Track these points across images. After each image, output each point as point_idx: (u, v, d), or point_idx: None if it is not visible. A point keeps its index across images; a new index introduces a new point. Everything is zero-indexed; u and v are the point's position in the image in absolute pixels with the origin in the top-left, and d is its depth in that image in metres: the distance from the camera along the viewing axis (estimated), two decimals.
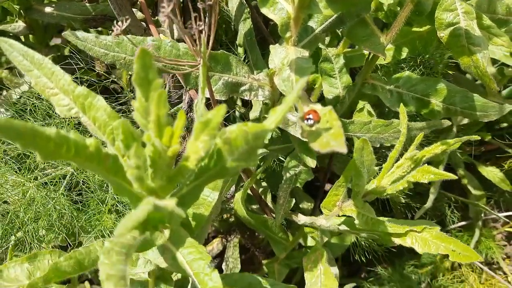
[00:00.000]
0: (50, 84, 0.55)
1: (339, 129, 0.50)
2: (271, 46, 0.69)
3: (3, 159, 0.68)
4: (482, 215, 1.34)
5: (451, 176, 0.66)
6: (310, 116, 0.54)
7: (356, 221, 0.80)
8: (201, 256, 0.58)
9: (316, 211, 1.08)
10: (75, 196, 0.68)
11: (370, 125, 0.76)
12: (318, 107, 0.58)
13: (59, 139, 0.42)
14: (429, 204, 1.05)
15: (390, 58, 0.94)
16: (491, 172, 1.26)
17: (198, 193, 0.57)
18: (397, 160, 0.75)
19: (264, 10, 0.68)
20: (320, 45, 0.95)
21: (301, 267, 1.12)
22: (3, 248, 0.63)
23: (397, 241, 0.78)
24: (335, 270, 1.08)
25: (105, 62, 0.65)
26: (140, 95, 0.44)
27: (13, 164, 0.67)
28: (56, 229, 0.63)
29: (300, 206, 1.13)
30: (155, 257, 0.62)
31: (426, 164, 0.69)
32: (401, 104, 0.71)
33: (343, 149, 0.46)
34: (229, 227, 1.10)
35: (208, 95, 0.71)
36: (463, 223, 1.28)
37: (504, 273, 1.46)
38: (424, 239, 0.75)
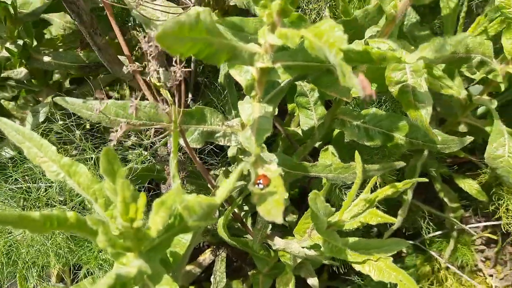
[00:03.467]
0: (40, 153, 0.65)
1: (281, 197, 0.59)
2: (239, 103, 0.78)
3: (9, 202, 0.79)
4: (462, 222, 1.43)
5: (392, 219, 0.75)
6: (260, 181, 0.63)
7: (322, 248, 0.90)
8: None
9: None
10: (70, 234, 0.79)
11: (331, 167, 0.85)
12: (272, 167, 0.67)
13: (42, 219, 0.52)
14: (397, 225, 1.14)
15: None
16: (468, 184, 1.34)
17: (169, 243, 0.67)
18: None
19: (232, 72, 0.77)
20: None
21: None
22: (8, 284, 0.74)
23: (357, 267, 0.88)
24: (314, 280, 1.18)
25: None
26: (108, 180, 0.54)
27: (16, 207, 0.78)
28: (53, 266, 0.74)
29: (286, 219, 1.23)
30: None
31: (375, 208, 0.77)
32: (356, 152, 0.79)
33: (279, 220, 0.55)
34: (218, 241, 1.20)
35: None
36: (439, 232, 1.36)
37: (489, 275, 1.55)
38: (379, 267, 0.85)
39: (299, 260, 0.99)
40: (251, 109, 0.76)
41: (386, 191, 0.80)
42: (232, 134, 0.84)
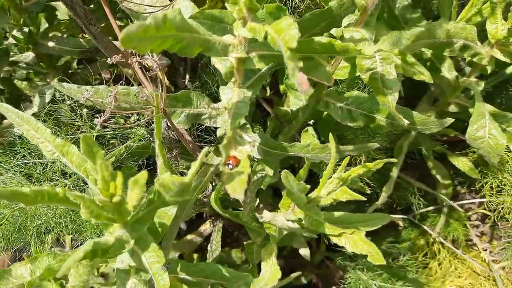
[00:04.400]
0: (37, 135, 0.73)
1: (246, 177, 0.66)
2: (221, 88, 0.84)
3: (16, 175, 0.88)
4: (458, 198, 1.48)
5: (359, 197, 0.81)
6: (230, 161, 0.70)
7: (303, 222, 0.97)
8: (158, 259, 0.77)
9: None
10: None
11: (309, 147, 0.91)
12: (243, 149, 0.74)
13: (34, 194, 0.61)
14: (382, 200, 1.19)
15: (347, 75, 1.06)
16: (462, 162, 1.38)
17: (152, 215, 0.75)
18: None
19: (213, 60, 0.83)
20: None
21: None
22: (12, 250, 0.84)
23: (334, 239, 0.95)
24: (305, 251, 1.26)
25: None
26: (90, 162, 0.61)
27: (23, 180, 0.87)
28: (54, 233, 0.83)
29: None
30: (127, 258, 0.82)
31: (345, 187, 0.84)
32: (330, 134, 0.85)
33: (241, 197, 0.62)
34: (216, 213, 1.28)
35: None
36: (431, 208, 1.42)
37: (483, 249, 1.60)
38: (353, 240, 0.91)
39: (284, 232, 1.07)
40: (231, 94, 0.83)
41: (358, 170, 0.86)
42: (218, 116, 0.91)
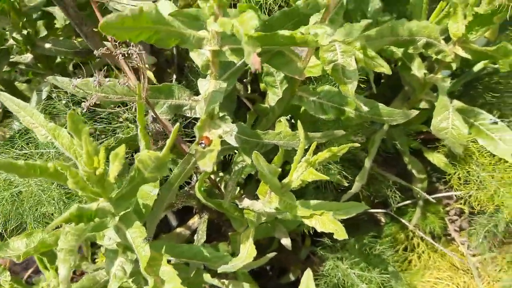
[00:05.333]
0: (32, 121, 0.82)
1: (214, 154, 0.74)
2: (199, 80, 0.93)
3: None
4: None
5: (324, 177, 0.90)
6: (203, 141, 0.79)
7: (279, 206, 1.05)
8: (140, 234, 0.85)
9: None
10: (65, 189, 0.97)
11: (281, 135, 0.99)
12: (216, 132, 0.82)
13: (27, 166, 0.69)
14: (354, 190, 1.27)
15: (320, 72, 1.15)
16: (437, 158, 1.45)
17: (135, 192, 0.83)
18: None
19: (191, 54, 0.92)
20: None
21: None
22: (11, 228, 0.92)
23: (306, 221, 1.03)
24: (287, 241, 1.33)
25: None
26: (76, 137, 0.70)
27: None
28: (48, 213, 0.92)
29: None
30: (113, 235, 0.90)
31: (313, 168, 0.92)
32: (299, 121, 0.94)
33: (209, 168, 0.71)
34: (202, 205, 1.36)
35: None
36: (408, 202, 1.49)
37: (461, 243, 1.67)
38: (322, 220, 0.99)
39: (263, 218, 1.14)
40: (208, 85, 0.91)
41: (324, 154, 0.94)
42: (198, 106, 1.00)
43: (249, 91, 1.29)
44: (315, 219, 1.01)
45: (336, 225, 0.95)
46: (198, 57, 0.91)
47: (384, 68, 0.94)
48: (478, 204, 1.22)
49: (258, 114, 1.28)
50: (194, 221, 1.47)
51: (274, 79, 1.18)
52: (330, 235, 1.51)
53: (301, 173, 0.96)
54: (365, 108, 0.92)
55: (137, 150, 1.17)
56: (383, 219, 1.68)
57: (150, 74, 1.15)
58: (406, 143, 1.45)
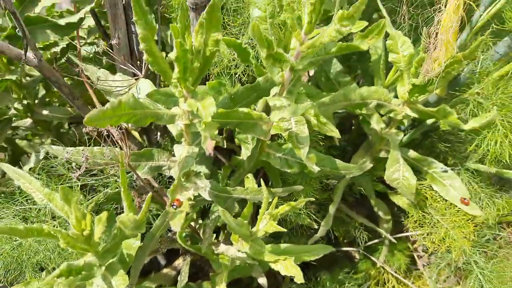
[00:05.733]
0: (30, 186, 0.96)
1: (183, 215, 0.89)
2: (175, 146, 1.08)
3: (16, 218, 1.11)
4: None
5: (281, 229, 1.04)
6: (175, 203, 0.93)
7: (249, 251, 1.18)
8: (124, 282, 0.99)
9: None
10: None
11: (248, 190, 1.14)
12: (187, 193, 0.97)
13: (26, 230, 0.83)
14: (319, 234, 1.41)
15: None
16: (401, 200, 1.60)
17: (118, 246, 0.98)
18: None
19: (168, 126, 1.08)
20: None
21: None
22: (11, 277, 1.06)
23: (272, 266, 1.16)
24: (263, 280, 1.46)
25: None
26: (67, 206, 0.85)
27: (21, 221, 1.10)
28: (44, 264, 1.05)
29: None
30: (100, 282, 1.04)
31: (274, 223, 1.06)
32: (261, 181, 1.08)
33: (178, 229, 0.85)
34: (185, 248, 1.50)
35: None
36: (376, 240, 1.63)
37: (429, 277, 1.80)
38: (286, 265, 1.13)
39: (237, 262, 1.28)
40: (182, 150, 1.06)
41: (284, 208, 1.08)
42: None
43: (225, 146, 1.44)
44: (280, 263, 1.14)
45: (297, 270, 1.09)
46: (173, 128, 1.07)
47: (334, 132, 1.10)
48: (431, 245, 1.35)
49: (236, 165, 1.43)
50: (179, 262, 1.60)
51: (246, 136, 1.33)
52: (309, 272, 1.66)
53: (265, 224, 1.11)
54: (316, 168, 1.06)
55: None
56: (357, 256, 1.81)
57: (135, 133, 1.30)
58: (372, 187, 1.59)
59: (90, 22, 1.36)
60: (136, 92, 1.06)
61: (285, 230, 1.04)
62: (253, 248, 1.18)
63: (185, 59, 0.83)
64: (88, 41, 1.48)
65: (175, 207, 0.93)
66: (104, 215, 0.83)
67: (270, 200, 1.11)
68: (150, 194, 0.87)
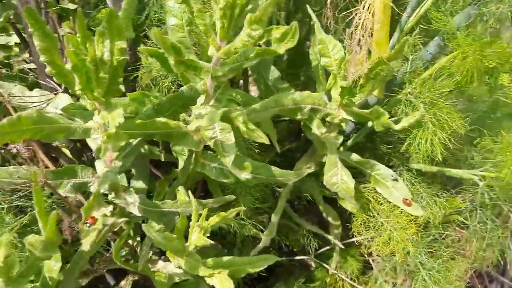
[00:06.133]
0: None
1: (95, 233, 0.84)
2: (96, 161, 1.04)
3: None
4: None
5: (209, 241, 1.00)
6: (88, 221, 0.89)
7: (185, 267, 1.14)
8: None
9: None
10: None
11: (178, 203, 1.10)
12: (103, 210, 0.93)
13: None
14: (262, 244, 1.38)
15: None
16: (348, 204, 1.58)
17: (32, 270, 0.92)
18: None
19: (87, 140, 1.03)
20: None
21: None
22: None
23: (208, 280, 1.12)
24: None
25: None
26: None
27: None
28: None
29: None
30: None
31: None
32: (190, 192, 1.05)
33: (87, 248, 0.81)
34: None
35: None
36: (326, 248, 1.60)
37: (384, 281, 1.78)
38: (220, 279, 1.09)
39: (176, 278, 1.24)
40: (102, 165, 1.02)
41: (215, 219, 1.05)
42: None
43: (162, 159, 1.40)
44: (215, 278, 1.11)
45: (230, 284, 1.05)
46: (93, 142, 1.03)
47: (263, 139, 1.07)
48: (376, 248, 1.33)
49: (175, 178, 1.39)
50: (125, 281, 1.55)
51: (182, 148, 1.30)
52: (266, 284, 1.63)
53: (196, 236, 1.07)
54: (246, 176, 1.03)
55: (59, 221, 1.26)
56: (313, 264, 1.79)
57: (66, 151, 1.26)
58: (319, 193, 1.57)
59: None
60: (53, 107, 1.02)
61: (212, 242, 1.01)
62: (189, 262, 1.14)
63: (86, 69, 0.79)
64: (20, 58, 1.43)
65: (88, 224, 0.89)
66: (4, 238, 0.78)
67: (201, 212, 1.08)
68: (54, 212, 0.83)
